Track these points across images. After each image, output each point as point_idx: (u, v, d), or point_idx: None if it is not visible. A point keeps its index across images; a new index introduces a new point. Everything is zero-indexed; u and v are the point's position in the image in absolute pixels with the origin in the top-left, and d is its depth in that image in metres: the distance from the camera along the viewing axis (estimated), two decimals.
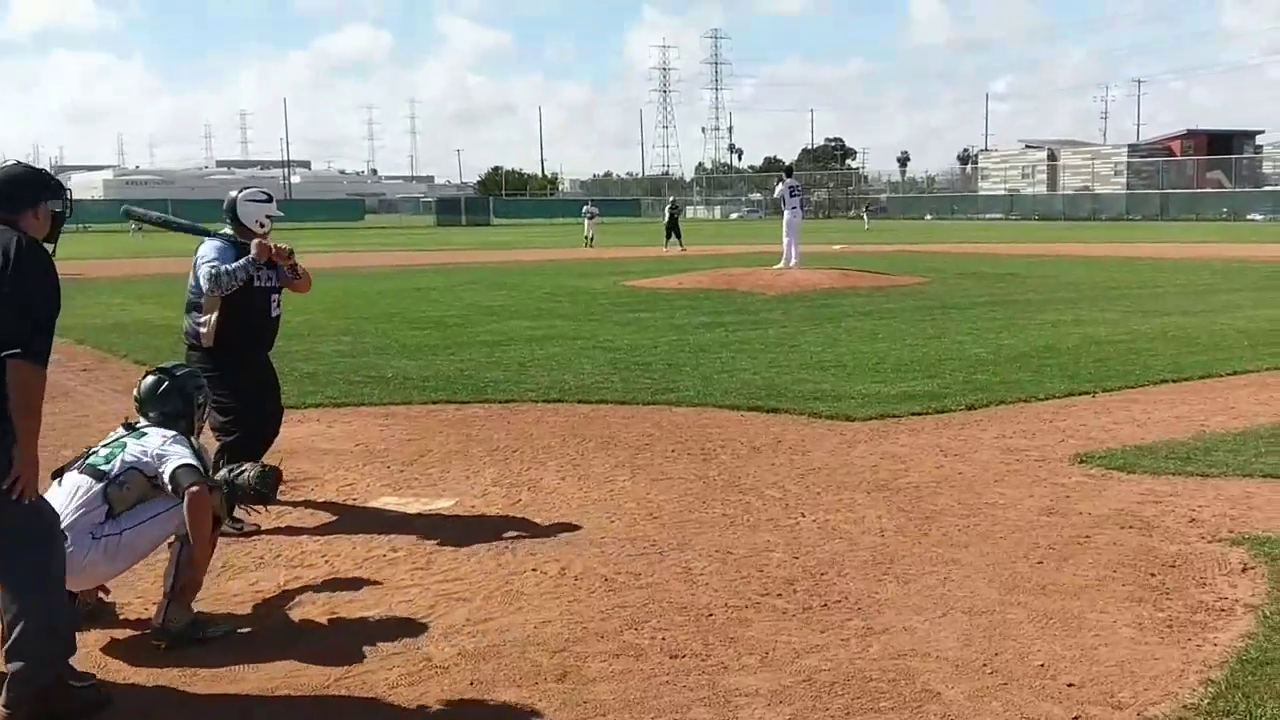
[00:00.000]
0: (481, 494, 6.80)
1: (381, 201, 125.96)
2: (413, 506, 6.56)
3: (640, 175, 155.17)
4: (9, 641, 3.81)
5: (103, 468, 4.48)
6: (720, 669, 4.20)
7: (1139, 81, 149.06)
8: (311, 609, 4.92)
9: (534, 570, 5.36)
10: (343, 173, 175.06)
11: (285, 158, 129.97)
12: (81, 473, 4.48)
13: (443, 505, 6.57)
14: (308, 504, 6.61)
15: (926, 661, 4.24)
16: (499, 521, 6.21)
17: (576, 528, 6.06)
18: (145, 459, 4.52)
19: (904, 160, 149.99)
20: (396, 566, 5.48)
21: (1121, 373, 10.93)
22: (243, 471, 5.25)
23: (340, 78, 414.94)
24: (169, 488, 4.46)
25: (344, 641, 4.53)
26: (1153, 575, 5.16)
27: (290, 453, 7.55)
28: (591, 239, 44.22)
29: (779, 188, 25.53)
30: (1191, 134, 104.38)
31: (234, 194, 6.48)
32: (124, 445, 4.60)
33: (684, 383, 10.56)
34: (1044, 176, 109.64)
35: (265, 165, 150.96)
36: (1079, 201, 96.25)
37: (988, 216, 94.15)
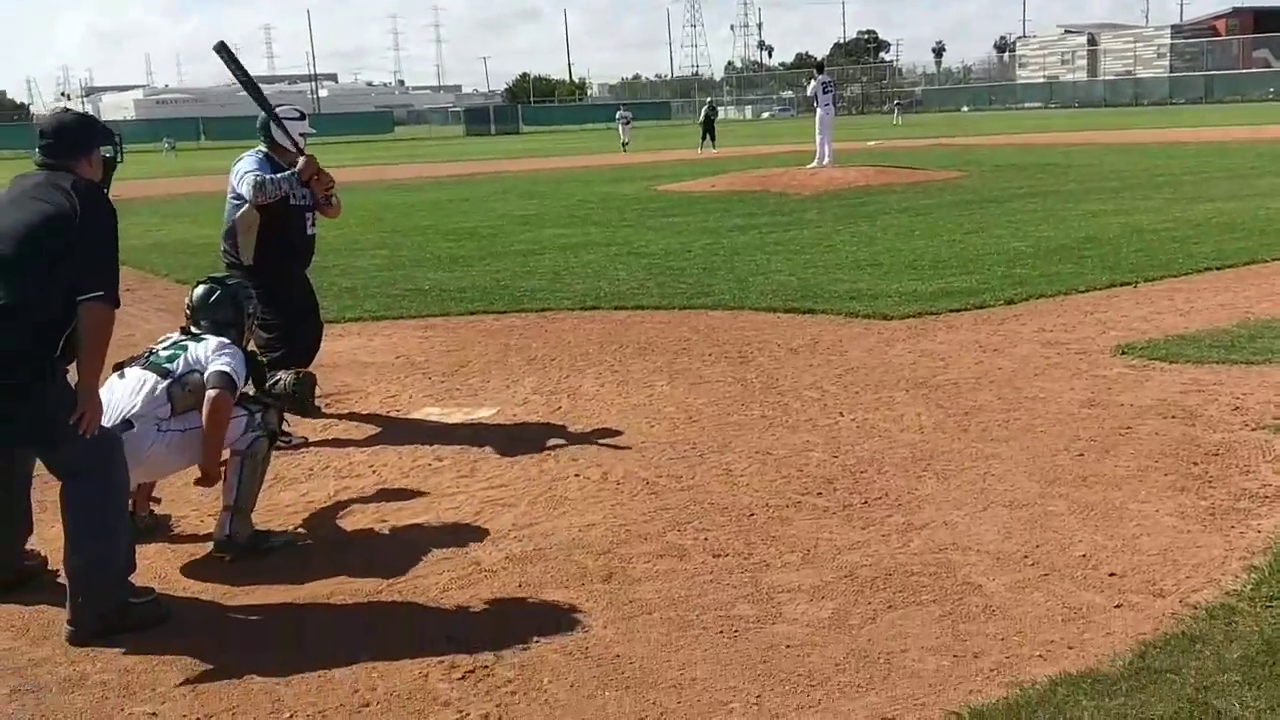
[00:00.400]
0: (522, 402, 6.87)
1: (410, 113, 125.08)
2: (455, 416, 6.64)
3: (670, 77, 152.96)
4: (69, 568, 3.93)
5: (166, 366, 4.57)
6: (763, 566, 4.27)
7: None
8: (361, 518, 5.03)
9: (576, 476, 5.43)
10: (370, 85, 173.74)
11: (312, 71, 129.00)
12: (145, 369, 4.57)
13: (484, 414, 6.64)
14: (353, 416, 6.71)
15: (967, 555, 4.28)
16: (540, 429, 6.28)
17: (617, 433, 6.12)
18: (203, 361, 4.60)
19: (939, 51, 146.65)
20: (442, 475, 5.57)
21: (1164, 262, 10.77)
22: (278, 380, 5.36)
23: None
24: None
25: (394, 548, 4.64)
26: (1195, 464, 5.15)
27: (333, 366, 7.66)
28: (627, 144, 43.79)
29: (811, 85, 25.08)
30: (1237, 12, 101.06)
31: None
32: (185, 347, 4.68)
33: (719, 286, 10.53)
34: (1084, 62, 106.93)
35: (293, 80, 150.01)
36: (1121, 87, 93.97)
37: (1027, 106, 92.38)
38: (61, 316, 3.76)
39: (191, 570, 4.52)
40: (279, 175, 6.16)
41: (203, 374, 4.56)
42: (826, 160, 23.45)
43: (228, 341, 4.75)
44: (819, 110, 24.07)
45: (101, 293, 3.76)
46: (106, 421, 4.14)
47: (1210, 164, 23.32)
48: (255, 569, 4.46)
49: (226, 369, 4.56)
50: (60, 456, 3.92)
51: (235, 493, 4.59)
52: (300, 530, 4.92)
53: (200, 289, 5.08)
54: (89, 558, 3.90)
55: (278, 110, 6.47)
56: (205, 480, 4.57)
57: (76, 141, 4.02)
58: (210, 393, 4.49)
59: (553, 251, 13.72)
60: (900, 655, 3.56)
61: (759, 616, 3.86)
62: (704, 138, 39.79)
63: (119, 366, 4.65)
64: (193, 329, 4.90)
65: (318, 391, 6.33)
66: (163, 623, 4.00)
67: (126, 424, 4.33)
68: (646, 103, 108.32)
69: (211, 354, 4.63)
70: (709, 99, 48.92)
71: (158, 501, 4.99)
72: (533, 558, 4.45)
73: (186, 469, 4.62)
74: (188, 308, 5.05)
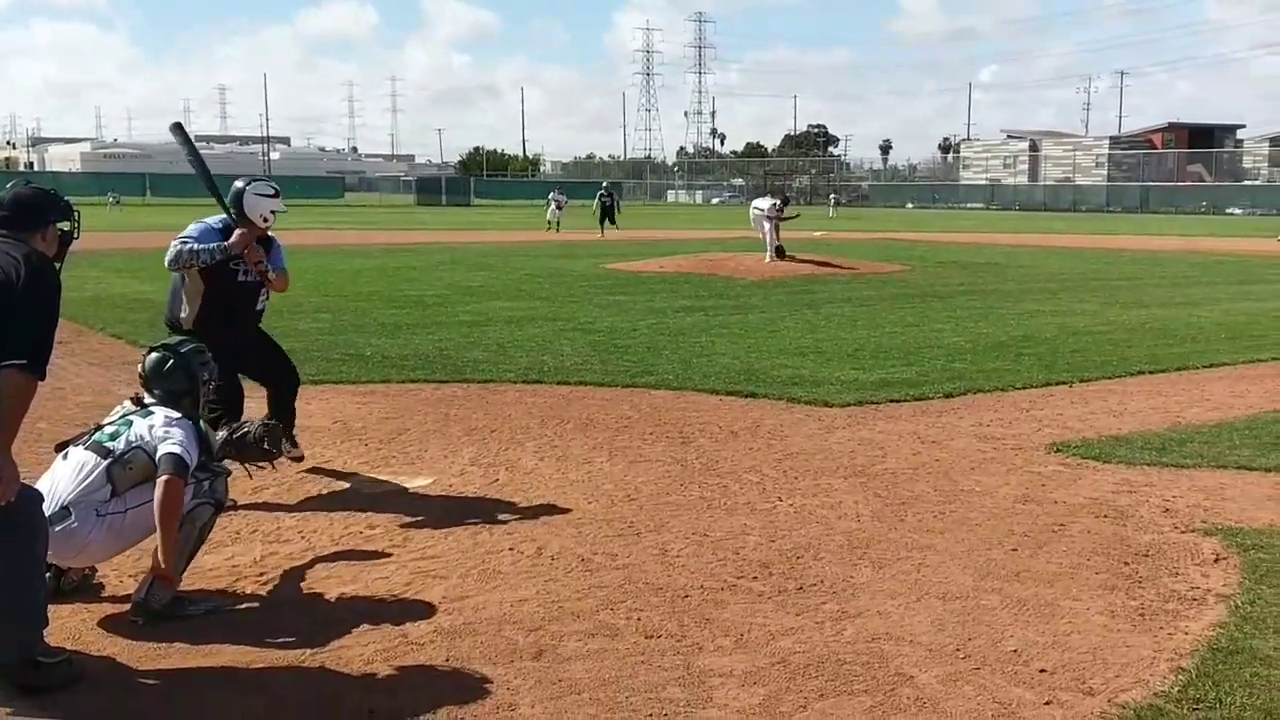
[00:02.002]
0: (459, 473, 6.79)
1: (361, 180, 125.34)
2: (390, 485, 6.53)
3: (622, 158, 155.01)
4: None
5: (108, 444, 4.44)
6: (695, 650, 4.22)
7: (1122, 74, 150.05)
8: (287, 584, 4.91)
9: (511, 549, 5.36)
10: (323, 150, 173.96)
11: (265, 134, 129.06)
12: (88, 449, 4.44)
13: (420, 484, 6.55)
14: (285, 480, 6.58)
15: (900, 645, 4.27)
16: (476, 501, 6.20)
17: (554, 508, 6.05)
18: (148, 439, 4.45)
19: (886, 148, 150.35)
20: (374, 543, 5.46)
21: (1099, 363, 11.00)
22: (245, 431, 5.21)
23: (322, 54, 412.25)
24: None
25: (320, 617, 4.52)
26: (1126, 564, 5.20)
27: None
28: (557, 224, 41.83)
29: (766, 207, 23.55)
30: (1173, 127, 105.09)
31: (241, 184, 6.33)
32: (130, 423, 4.53)
33: (663, 366, 10.57)
34: (1025, 167, 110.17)
35: (244, 141, 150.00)
36: (1060, 192, 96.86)
37: (969, 206, 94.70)
38: None
39: (109, 631, 4.36)
40: (202, 247, 6.07)
41: (147, 451, 4.41)
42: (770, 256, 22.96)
43: (176, 416, 4.57)
44: (767, 225, 22.98)
45: (25, 361, 3.65)
46: (46, 509, 4.03)
47: (1145, 271, 24.00)
48: (174, 632, 4.32)
49: (177, 450, 4.39)
50: None
51: (159, 556, 4.41)
52: (220, 594, 4.78)
53: (153, 357, 4.86)
54: (14, 605, 3.78)
55: (253, 185, 6.38)
56: (162, 578, 4.40)
57: (32, 216, 4.02)
58: (160, 479, 4.32)
59: (498, 324, 13.70)
60: None
61: (689, 700, 3.80)
62: (602, 221, 39.54)
63: (62, 446, 4.54)
64: (145, 398, 4.73)
65: (285, 447, 6.18)
66: (74, 683, 3.84)
67: (64, 511, 4.21)
68: (597, 182, 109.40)
69: (159, 431, 4.46)
70: (604, 184, 48.01)
71: (94, 570, 4.81)
72: (462, 631, 4.36)
73: (133, 548, 4.50)
74: (141, 376, 4.84)
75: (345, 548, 5.40)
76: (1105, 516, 5.94)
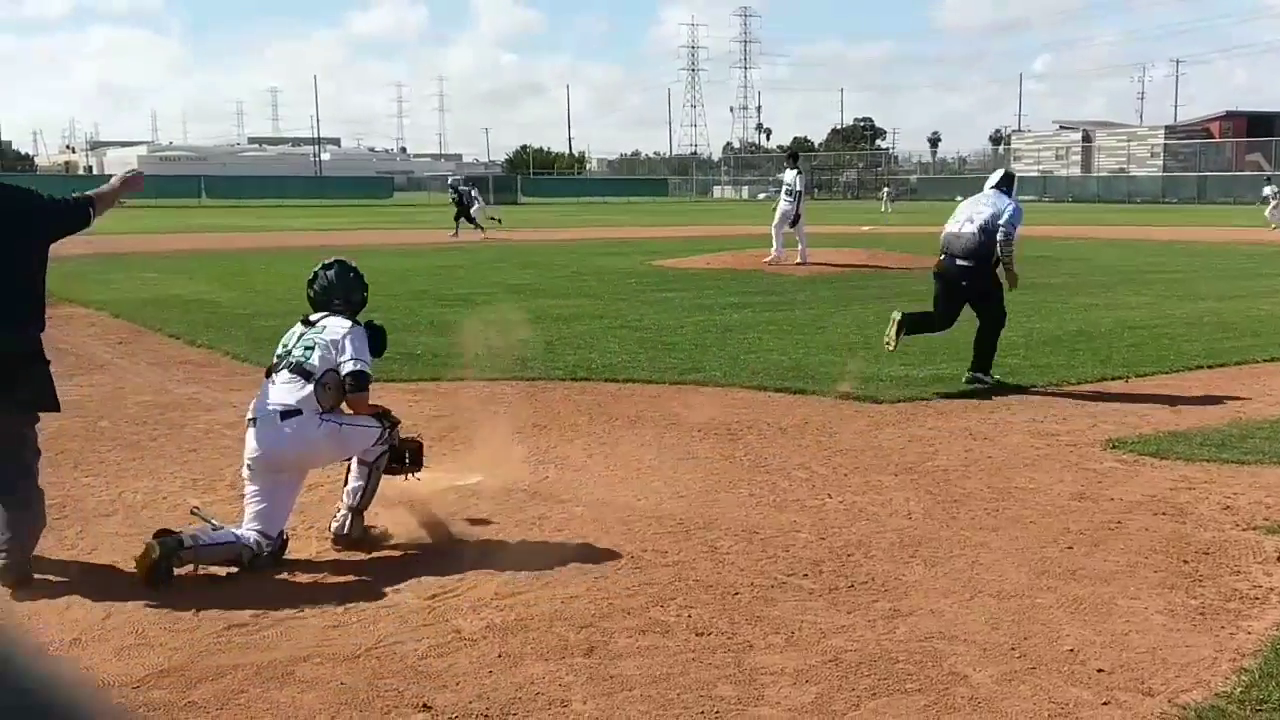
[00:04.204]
0: (509, 470, 6.81)
1: (410, 179, 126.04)
2: (441, 482, 6.57)
3: (668, 155, 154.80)
4: (19, 540, 4.76)
5: (308, 366, 5.08)
6: (746, 647, 4.21)
7: (1177, 61, 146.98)
8: (341, 581, 4.96)
9: (561, 546, 5.38)
10: (372, 150, 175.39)
11: (316, 135, 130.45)
12: (293, 373, 5.09)
13: (471, 481, 6.58)
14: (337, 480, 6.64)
15: (954, 644, 4.23)
16: (526, 498, 6.23)
17: (603, 505, 6.06)
18: (330, 354, 5.10)
19: (935, 141, 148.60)
20: (425, 541, 5.50)
21: (1155, 358, 10.82)
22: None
23: (371, 55, 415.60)
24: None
25: (374, 612, 4.56)
26: (1185, 562, 5.11)
27: None
28: (477, 223, 34.59)
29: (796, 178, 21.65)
30: (1230, 115, 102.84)
31: None
32: (313, 345, 5.10)
33: (711, 363, 10.54)
34: (1078, 158, 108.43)
35: (296, 142, 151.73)
36: (1114, 184, 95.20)
37: (1020, 198, 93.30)
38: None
39: (169, 629, 4.44)
40: None
41: (333, 368, 5.08)
42: (774, 255, 21.54)
43: (347, 325, 5.21)
44: (800, 205, 21.30)
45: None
46: (271, 410, 5.02)
47: (1202, 263, 23.57)
48: (229, 623, 4.38)
49: (358, 368, 5.11)
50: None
51: (359, 497, 5.30)
52: (276, 587, 4.84)
53: (333, 271, 5.43)
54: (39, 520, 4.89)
55: None
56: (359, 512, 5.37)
57: None
58: (349, 397, 5.15)
59: (546, 321, 13.73)
60: None
61: (740, 698, 3.79)
62: (462, 219, 34.19)
63: (270, 372, 5.22)
64: (313, 316, 5.32)
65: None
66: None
67: (295, 410, 5.00)
68: (644, 179, 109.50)
69: (339, 344, 5.10)
70: (455, 177, 40.11)
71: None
72: (514, 628, 4.38)
73: (339, 461, 5.46)
74: (320, 288, 5.37)
75: (397, 545, 5.44)
76: (1163, 514, 5.85)
